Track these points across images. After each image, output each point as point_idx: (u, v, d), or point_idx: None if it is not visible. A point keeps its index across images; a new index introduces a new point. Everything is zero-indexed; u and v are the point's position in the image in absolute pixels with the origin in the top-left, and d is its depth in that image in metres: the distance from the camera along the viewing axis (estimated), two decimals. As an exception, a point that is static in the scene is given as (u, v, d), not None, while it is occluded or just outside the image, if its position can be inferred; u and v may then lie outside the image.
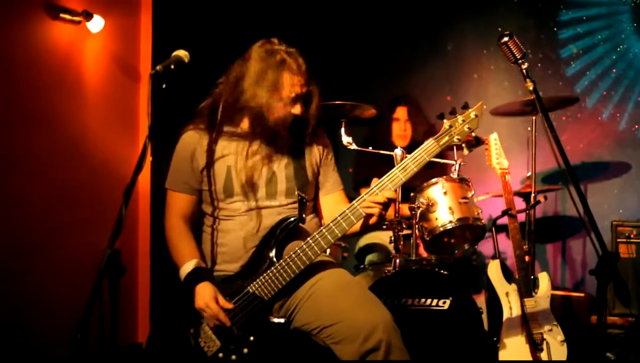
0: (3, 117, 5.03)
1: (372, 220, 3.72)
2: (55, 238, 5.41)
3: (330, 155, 4.16)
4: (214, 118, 3.93)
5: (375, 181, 3.74)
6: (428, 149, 3.68)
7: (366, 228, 3.89)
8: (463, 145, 3.87)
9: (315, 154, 4.07)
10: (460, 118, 3.71)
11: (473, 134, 3.84)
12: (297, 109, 3.84)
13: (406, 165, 3.67)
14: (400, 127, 6.49)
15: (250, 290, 3.69)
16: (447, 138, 3.71)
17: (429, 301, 4.91)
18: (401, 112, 6.53)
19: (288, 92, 3.80)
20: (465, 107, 3.76)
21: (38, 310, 5.22)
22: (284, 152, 3.93)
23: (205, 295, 3.65)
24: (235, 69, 3.92)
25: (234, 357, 3.66)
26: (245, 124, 3.92)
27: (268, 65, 3.81)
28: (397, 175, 3.67)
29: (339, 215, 3.67)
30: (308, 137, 4.03)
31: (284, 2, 7.15)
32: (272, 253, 3.73)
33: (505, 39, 3.69)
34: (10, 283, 5.02)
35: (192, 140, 3.93)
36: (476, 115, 3.74)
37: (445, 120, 3.72)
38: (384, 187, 3.66)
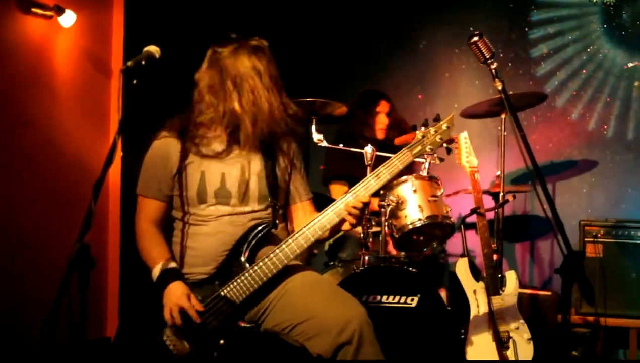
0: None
1: (345, 226, 3.77)
2: (25, 235, 5.40)
3: (300, 161, 4.15)
4: (187, 124, 3.90)
5: (341, 188, 3.77)
6: (401, 158, 3.76)
7: (334, 232, 3.91)
8: (435, 154, 3.98)
9: (285, 159, 4.05)
10: (432, 129, 3.82)
11: (445, 145, 3.91)
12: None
13: (380, 173, 3.73)
14: (382, 120, 6.49)
15: (222, 293, 3.69)
16: (419, 148, 3.80)
17: (397, 298, 4.92)
18: (384, 106, 6.52)
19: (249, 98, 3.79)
20: (437, 119, 3.85)
21: (13, 305, 5.21)
22: (256, 158, 3.92)
23: (177, 292, 3.65)
24: (201, 75, 3.90)
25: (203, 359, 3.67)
26: (218, 131, 3.89)
27: (220, 72, 3.82)
28: (370, 183, 3.72)
29: (312, 221, 3.70)
30: (279, 142, 4.04)
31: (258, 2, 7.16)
32: (244, 258, 3.74)
33: (475, 38, 3.73)
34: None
35: (165, 146, 3.89)
36: (448, 127, 3.84)
37: (417, 131, 3.83)
38: (357, 194, 3.70)
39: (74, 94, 5.86)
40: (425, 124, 3.84)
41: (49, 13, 5.52)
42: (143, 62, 3.51)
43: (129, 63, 3.47)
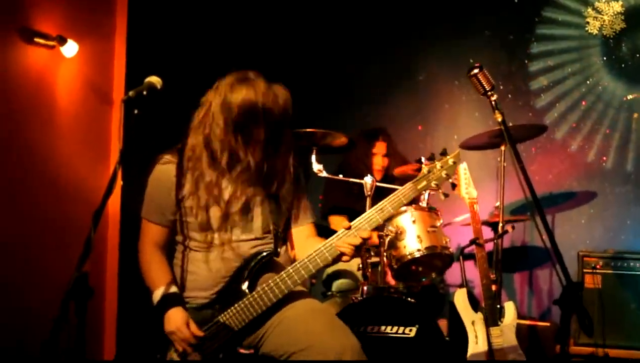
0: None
1: (345, 259, 3.75)
2: (25, 265, 5.39)
3: (303, 186, 4.12)
4: (190, 150, 3.85)
5: (340, 220, 3.76)
6: (406, 192, 3.76)
7: (334, 262, 3.91)
8: (440, 189, 3.97)
9: (288, 185, 3.99)
10: (438, 164, 3.81)
11: (450, 180, 3.90)
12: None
13: (383, 207, 3.73)
14: (378, 161, 6.50)
15: (221, 320, 3.69)
16: (425, 183, 3.79)
17: (395, 329, 4.91)
18: (380, 147, 6.53)
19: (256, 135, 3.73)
20: (444, 153, 3.85)
21: (7, 332, 5.20)
22: (260, 186, 3.87)
23: (177, 319, 3.66)
24: (206, 101, 3.83)
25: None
26: (223, 159, 3.79)
27: (231, 94, 3.71)
28: (374, 216, 3.72)
29: (314, 251, 3.69)
30: (282, 168, 4.01)
31: (257, 29, 7.18)
32: (245, 285, 3.73)
33: (475, 71, 3.76)
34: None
35: (169, 171, 3.86)
36: (454, 162, 3.83)
37: (423, 165, 3.82)
38: (360, 228, 3.70)
39: (75, 123, 5.87)
40: (432, 158, 3.83)
41: (51, 43, 5.54)
42: (145, 93, 3.49)
43: (130, 93, 3.46)
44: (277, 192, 3.93)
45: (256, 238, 3.88)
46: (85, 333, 3.07)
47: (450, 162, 3.82)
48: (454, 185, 4.07)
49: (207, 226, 3.82)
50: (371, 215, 3.72)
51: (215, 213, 3.82)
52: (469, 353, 4.99)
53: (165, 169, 3.88)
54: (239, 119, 3.66)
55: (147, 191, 3.95)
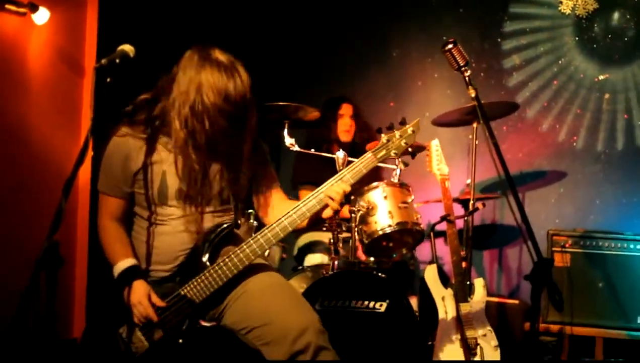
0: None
1: (327, 213, 3.76)
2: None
3: (264, 155, 4.10)
4: (149, 121, 3.83)
5: (304, 194, 3.76)
6: (365, 161, 3.76)
7: (312, 225, 3.94)
8: (399, 159, 3.96)
9: (246, 155, 3.94)
10: (397, 133, 3.80)
11: (410, 149, 3.90)
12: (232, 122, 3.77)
13: (343, 176, 3.74)
14: (345, 122, 6.50)
15: (182, 292, 3.69)
16: (384, 151, 3.79)
17: (366, 303, 4.94)
18: (346, 109, 6.55)
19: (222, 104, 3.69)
20: (403, 122, 3.84)
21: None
22: (218, 157, 3.85)
23: (138, 291, 3.65)
24: (170, 74, 3.81)
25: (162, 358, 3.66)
26: (182, 134, 3.75)
27: (198, 74, 3.69)
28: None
29: (282, 216, 3.71)
30: (238, 139, 3.97)
31: (233, 4, 7.15)
32: (206, 257, 3.74)
33: (450, 46, 3.76)
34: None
35: (125, 142, 3.81)
36: (413, 131, 3.83)
37: (382, 135, 3.81)
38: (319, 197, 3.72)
39: (45, 91, 5.82)
40: (391, 128, 3.81)
41: (22, 10, 5.48)
42: (117, 61, 3.47)
43: (103, 61, 3.44)
44: (237, 165, 3.90)
45: (215, 210, 3.88)
46: (56, 306, 3.04)
47: (410, 130, 3.81)
48: (413, 155, 4.05)
49: (164, 198, 3.80)
50: (333, 182, 3.74)
51: (172, 184, 3.79)
52: (438, 329, 5.02)
53: (121, 141, 3.83)
54: (204, 100, 3.63)
55: (103, 163, 3.90)
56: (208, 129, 3.66)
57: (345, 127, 6.49)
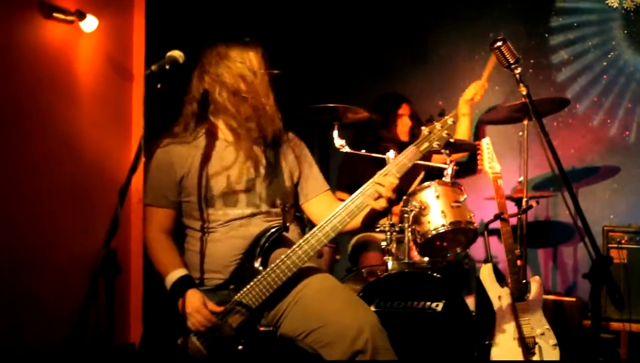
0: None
1: (381, 204, 3.70)
2: (48, 237, 5.37)
3: (308, 159, 4.15)
4: (190, 128, 3.92)
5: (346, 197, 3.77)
6: (409, 155, 3.75)
7: (366, 225, 3.94)
8: (443, 150, 3.97)
9: (291, 160, 4.05)
10: (438, 125, 3.79)
11: (451, 140, 3.90)
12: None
13: (388, 171, 3.72)
14: (405, 122, 6.52)
15: (237, 299, 3.68)
16: (427, 144, 3.78)
17: (421, 304, 4.92)
18: (405, 109, 6.58)
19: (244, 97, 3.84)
20: (442, 114, 3.87)
21: (33, 308, 5.19)
22: (262, 159, 3.91)
23: (193, 300, 3.64)
24: (195, 78, 3.95)
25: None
26: (222, 133, 3.91)
27: (220, 69, 3.86)
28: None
29: (332, 215, 3.70)
30: (283, 141, 4.04)
31: (280, 7, 7.14)
32: (258, 263, 3.74)
33: (499, 43, 3.70)
34: (2, 282, 4.99)
35: (168, 151, 3.89)
36: (453, 121, 3.82)
37: (423, 128, 3.81)
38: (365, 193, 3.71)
39: (94, 98, 5.84)
40: (430, 120, 3.82)
41: (70, 18, 5.50)
42: (167, 67, 3.47)
43: (153, 67, 3.43)
44: (282, 164, 3.97)
45: (261, 213, 3.89)
46: (114, 313, 3.05)
47: (449, 121, 3.80)
48: (448, 144, 4.05)
49: (211, 202, 3.84)
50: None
51: (218, 188, 3.83)
52: (495, 328, 4.98)
53: (164, 151, 3.90)
54: (247, 87, 3.80)
55: (148, 177, 3.97)
56: (252, 120, 3.80)
57: (405, 128, 6.49)
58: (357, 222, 3.85)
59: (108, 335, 3.04)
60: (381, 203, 3.68)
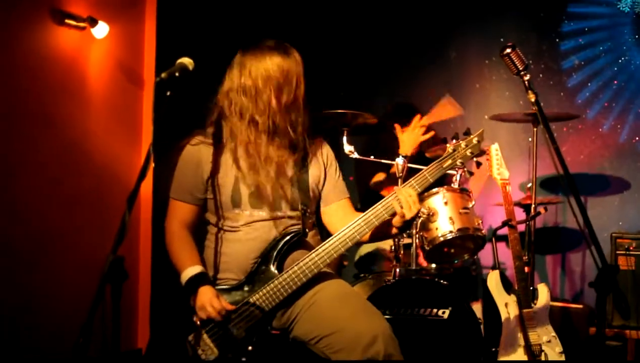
0: (7, 121, 5.03)
1: (396, 221, 3.74)
2: (57, 243, 5.39)
3: (334, 165, 4.16)
4: (219, 129, 3.96)
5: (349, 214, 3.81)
6: (432, 171, 3.81)
7: (380, 237, 3.99)
8: (465, 168, 4.02)
9: (318, 165, 4.07)
10: (463, 143, 3.87)
11: (474, 159, 3.94)
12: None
13: (411, 185, 3.78)
14: (415, 135, 6.48)
15: (251, 300, 3.71)
16: (450, 161, 3.85)
17: (428, 311, 4.93)
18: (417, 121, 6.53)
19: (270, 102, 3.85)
20: (467, 133, 3.92)
21: (40, 313, 5.22)
22: (289, 162, 3.94)
23: (207, 294, 3.68)
24: (226, 79, 3.97)
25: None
26: (251, 135, 3.90)
27: (249, 74, 3.87)
28: None
29: (351, 223, 3.75)
30: (310, 146, 4.06)
31: (288, 11, 7.15)
32: (275, 266, 3.77)
33: (508, 50, 3.71)
34: (11, 287, 5.02)
35: (198, 149, 3.93)
36: (478, 141, 3.90)
37: (448, 145, 3.87)
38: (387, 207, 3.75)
39: (105, 104, 5.87)
40: (456, 138, 3.89)
41: (81, 24, 5.53)
42: (177, 74, 3.48)
43: (162, 75, 3.45)
44: (307, 168, 4.00)
45: (285, 217, 3.91)
46: (120, 319, 3.07)
47: (475, 140, 3.88)
48: (479, 164, 4.08)
49: (235, 203, 3.86)
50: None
51: (243, 188, 3.87)
52: (502, 335, 4.98)
53: (194, 149, 3.95)
54: (264, 88, 3.82)
55: (176, 171, 4.00)
56: (263, 110, 3.82)
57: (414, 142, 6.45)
58: (373, 233, 3.89)
59: (114, 341, 3.05)
60: (398, 216, 3.73)
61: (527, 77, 3.71)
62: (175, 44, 6.09)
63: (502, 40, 6.70)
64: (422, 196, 5.15)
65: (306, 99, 3.94)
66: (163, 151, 3.87)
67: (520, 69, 3.72)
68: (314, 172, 4.04)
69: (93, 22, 5.57)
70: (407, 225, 3.83)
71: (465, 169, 4.71)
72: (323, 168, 4.09)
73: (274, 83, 3.82)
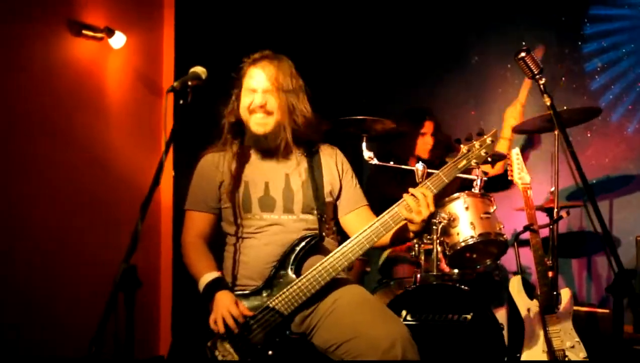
0: (25, 131, 5.07)
1: (414, 216, 3.72)
2: (76, 251, 5.43)
3: (350, 173, 4.19)
4: (229, 136, 4.02)
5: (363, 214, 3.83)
6: (447, 171, 3.81)
7: (398, 240, 4.01)
8: (480, 168, 4.02)
9: (332, 172, 4.11)
10: (477, 143, 3.87)
11: (489, 159, 3.94)
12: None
13: (424, 184, 3.77)
14: (427, 141, 6.47)
15: (270, 305, 3.73)
16: (465, 161, 3.86)
17: (450, 316, 4.90)
18: (428, 127, 6.50)
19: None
20: (481, 133, 3.91)
21: (55, 322, 5.24)
22: (301, 167, 4.01)
23: (225, 299, 3.70)
24: (233, 86, 4.05)
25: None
26: (259, 144, 4.00)
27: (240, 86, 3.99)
28: None
29: (367, 226, 3.74)
30: (323, 152, 4.12)
31: (307, 19, 7.15)
32: (292, 270, 3.80)
33: (523, 54, 3.70)
34: (29, 294, 5.04)
35: (211, 161, 4.05)
36: (492, 141, 3.90)
37: (462, 145, 3.88)
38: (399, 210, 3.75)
39: (125, 114, 5.90)
40: (469, 139, 3.89)
41: (99, 35, 5.57)
42: (190, 83, 3.51)
43: (175, 84, 3.50)
44: (320, 174, 4.05)
45: (299, 220, 3.95)
46: (140, 326, 3.09)
47: (489, 140, 3.88)
48: (493, 163, 4.07)
49: (248, 209, 3.93)
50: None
51: (257, 193, 3.93)
52: (524, 341, 4.94)
53: (207, 159, 4.08)
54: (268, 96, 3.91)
55: (191, 184, 4.11)
56: (282, 131, 3.92)
57: (427, 146, 6.43)
58: (388, 236, 3.93)
59: (128, 349, 3.05)
60: (415, 216, 3.71)
61: (542, 81, 3.71)
62: (194, 52, 6.11)
63: (523, 44, 6.65)
64: (443, 201, 5.15)
65: (312, 106, 4.01)
66: (183, 159, 3.92)
67: (536, 72, 3.72)
68: (328, 179, 4.07)
69: (110, 32, 5.60)
70: (424, 229, 3.84)
71: (480, 170, 4.68)
72: (338, 176, 4.13)
73: (276, 92, 3.88)
